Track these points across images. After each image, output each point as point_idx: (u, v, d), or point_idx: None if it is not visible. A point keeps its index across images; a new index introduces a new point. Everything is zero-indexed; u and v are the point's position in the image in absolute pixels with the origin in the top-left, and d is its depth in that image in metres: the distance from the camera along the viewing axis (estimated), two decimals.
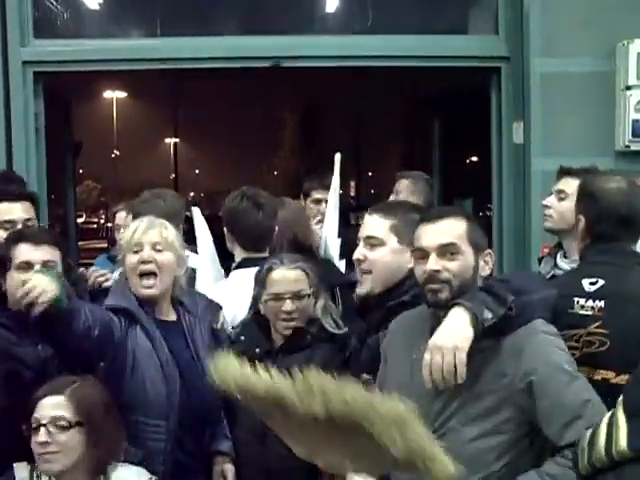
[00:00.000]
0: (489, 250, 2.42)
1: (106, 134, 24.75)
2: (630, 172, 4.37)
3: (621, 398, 1.72)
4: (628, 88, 4.41)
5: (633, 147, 4.44)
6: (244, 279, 3.37)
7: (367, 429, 1.72)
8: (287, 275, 2.95)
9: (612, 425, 1.35)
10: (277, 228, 3.66)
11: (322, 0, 5.33)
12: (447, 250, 2.31)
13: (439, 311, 2.32)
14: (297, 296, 2.93)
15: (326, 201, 4.35)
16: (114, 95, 25.52)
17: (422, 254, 2.34)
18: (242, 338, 3.02)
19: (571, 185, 3.25)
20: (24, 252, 2.87)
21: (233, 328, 3.14)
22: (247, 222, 3.54)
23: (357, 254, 2.73)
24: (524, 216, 4.61)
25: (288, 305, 2.91)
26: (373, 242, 2.72)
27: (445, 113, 7.24)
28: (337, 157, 4.13)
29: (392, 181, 4.69)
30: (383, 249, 2.71)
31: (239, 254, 3.57)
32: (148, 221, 3.00)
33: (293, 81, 6.43)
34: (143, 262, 2.89)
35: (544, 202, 3.46)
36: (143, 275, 2.90)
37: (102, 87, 23.72)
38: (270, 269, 2.98)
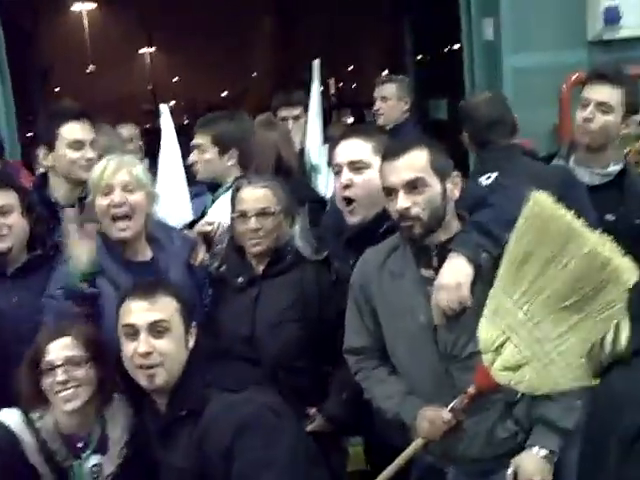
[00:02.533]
0: (456, 172, 2.40)
1: (79, 49, 24.24)
2: (604, 62, 4.31)
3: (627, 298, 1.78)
4: None
5: (606, 36, 4.35)
6: None
7: None
8: (253, 193, 2.91)
9: (618, 324, 1.40)
10: (261, 149, 3.61)
11: None
12: (413, 185, 2.31)
13: (418, 242, 2.36)
14: (262, 213, 2.87)
15: (293, 118, 4.35)
16: (83, 7, 24.87)
17: (390, 192, 2.35)
18: (223, 267, 2.99)
19: (615, 96, 3.12)
20: None
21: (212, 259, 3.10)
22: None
23: (344, 179, 2.66)
24: None
25: (253, 222, 2.87)
26: (359, 165, 2.67)
27: (415, 13, 7.09)
28: (315, 63, 4.06)
29: (370, 77, 4.67)
30: (370, 172, 2.64)
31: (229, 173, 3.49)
32: (116, 160, 2.92)
33: None
34: (115, 206, 2.83)
35: (585, 115, 3.16)
36: (116, 218, 2.84)
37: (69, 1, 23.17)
38: (238, 188, 2.95)
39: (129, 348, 2.38)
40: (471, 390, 2.32)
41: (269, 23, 22.13)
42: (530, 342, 2.10)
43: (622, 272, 1.92)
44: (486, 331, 2.21)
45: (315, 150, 4.00)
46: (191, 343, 2.45)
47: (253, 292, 2.90)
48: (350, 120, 11.50)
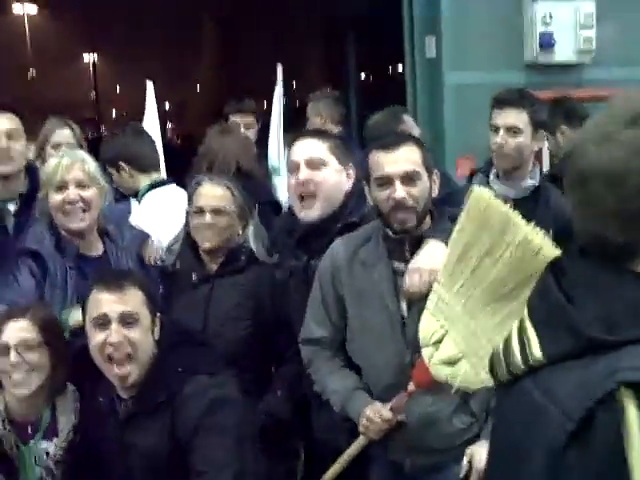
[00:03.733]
0: (435, 170, 2.54)
1: (20, 53, 23.91)
2: (539, 83, 4.52)
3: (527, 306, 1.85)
4: (535, 1, 4.50)
5: (541, 59, 4.56)
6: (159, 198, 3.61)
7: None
8: (212, 190, 3.02)
9: (522, 332, 1.42)
10: (221, 155, 3.73)
11: None
12: (410, 177, 2.42)
13: (403, 236, 2.45)
14: (218, 211, 2.97)
15: (245, 125, 4.51)
16: (24, 11, 24.54)
17: (385, 181, 2.43)
18: (177, 265, 3.08)
19: (522, 119, 3.28)
20: None
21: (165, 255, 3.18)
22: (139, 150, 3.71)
23: (302, 176, 2.76)
24: (438, 127, 4.71)
25: (208, 218, 2.96)
26: (316, 163, 2.77)
27: (359, 27, 7.25)
28: (279, 68, 4.19)
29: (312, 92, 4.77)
30: (327, 169, 2.78)
31: (141, 181, 3.67)
32: (70, 157, 3.00)
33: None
34: (70, 202, 2.90)
35: (497, 140, 3.32)
36: (69, 213, 2.92)
37: (9, 2, 22.84)
38: (198, 184, 3.05)
39: (99, 338, 2.40)
40: (410, 387, 2.39)
41: (214, 36, 22.16)
42: (466, 335, 2.14)
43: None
44: (426, 325, 2.26)
45: (275, 152, 4.12)
46: (157, 333, 2.50)
47: (206, 289, 2.99)
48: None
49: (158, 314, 2.54)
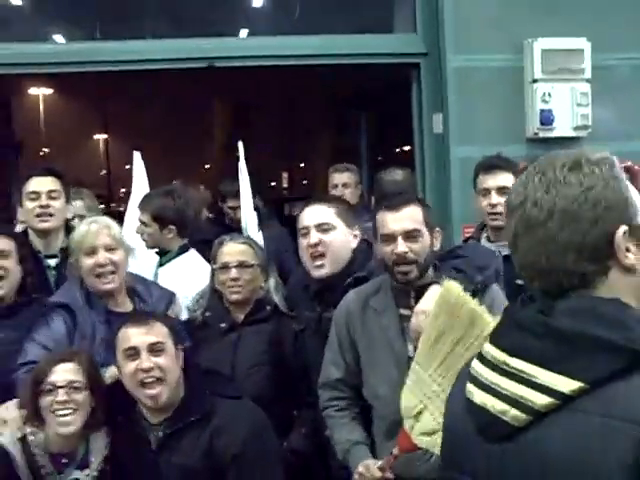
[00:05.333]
0: (437, 228, 2.82)
1: (33, 132, 24.44)
2: (539, 156, 4.81)
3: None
4: (534, 81, 4.75)
5: (541, 134, 4.79)
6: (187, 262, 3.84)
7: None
8: (234, 247, 3.31)
9: (523, 379, 1.50)
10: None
11: (249, 2, 5.61)
12: (411, 234, 2.69)
13: (407, 287, 2.70)
14: (242, 265, 3.25)
15: (238, 207, 4.72)
16: (40, 92, 25.11)
17: (389, 238, 2.70)
18: (207, 314, 3.33)
19: (511, 180, 3.51)
20: None
21: (193, 306, 3.43)
22: (188, 216, 3.98)
23: (313, 239, 3.02)
24: (446, 200, 4.89)
25: (233, 272, 3.23)
26: (325, 227, 3.05)
27: (370, 107, 7.57)
28: (240, 145, 4.49)
29: (322, 172, 5.04)
30: (335, 232, 3.05)
31: (172, 243, 3.93)
32: (97, 223, 3.25)
33: (223, 79, 6.64)
34: (100, 265, 3.15)
35: (491, 202, 3.59)
36: (101, 275, 3.15)
37: (27, 84, 23.41)
38: (221, 243, 3.33)
39: (130, 367, 2.68)
40: (395, 451, 2.58)
41: (225, 119, 22.64)
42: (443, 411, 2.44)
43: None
44: (407, 399, 2.50)
45: (244, 220, 4.36)
46: (181, 362, 2.77)
47: (234, 336, 3.25)
48: None
49: (180, 346, 2.81)
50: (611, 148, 4.69)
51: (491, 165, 3.66)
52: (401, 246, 2.68)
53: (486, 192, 3.62)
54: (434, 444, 2.40)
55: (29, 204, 3.61)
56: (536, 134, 4.82)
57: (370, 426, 2.88)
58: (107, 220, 3.33)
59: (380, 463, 2.66)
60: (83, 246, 3.18)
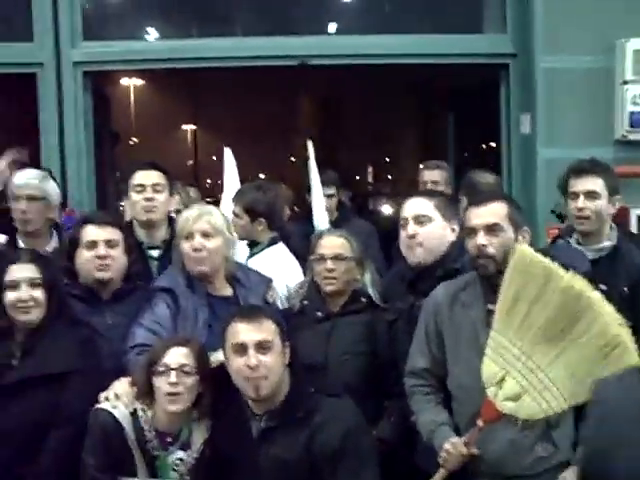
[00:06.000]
0: (526, 227, 2.91)
1: (124, 122, 24.98)
2: (628, 159, 4.80)
3: None
4: (625, 83, 4.76)
5: (630, 137, 4.79)
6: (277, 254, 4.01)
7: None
8: (331, 240, 3.47)
9: None
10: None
11: (340, 3, 5.73)
12: (492, 228, 2.80)
13: (495, 281, 2.76)
14: (337, 257, 3.39)
15: (328, 196, 4.94)
16: (131, 82, 25.64)
17: (472, 232, 2.83)
18: (305, 302, 3.49)
19: (599, 184, 3.60)
20: (90, 232, 3.32)
21: (293, 295, 3.62)
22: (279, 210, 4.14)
23: (410, 231, 3.14)
24: (531, 200, 4.92)
25: (329, 264, 3.38)
26: (422, 219, 3.16)
27: (458, 106, 7.60)
28: (309, 144, 4.62)
29: (408, 168, 5.13)
30: (431, 225, 3.16)
31: (262, 235, 4.11)
32: (198, 210, 3.41)
33: (311, 75, 6.78)
34: (195, 249, 3.31)
35: (578, 205, 3.59)
36: (196, 260, 3.31)
37: (119, 75, 23.96)
38: (320, 236, 3.51)
39: (238, 362, 2.78)
40: (479, 423, 2.67)
41: (313, 115, 22.81)
42: (526, 373, 2.51)
43: (593, 302, 2.40)
44: (487, 368, 2.61)
45: (317, 216, 4.53)
46: (287, 359, 2.88)
47: (328, 326, 3.39)
48: (389, 210, 12.04)
49: (287, 343, 2.90)
50: None
51: (580, 169, 3.67)
52: (481, 239, 2.79)
53: (575, 196, 3.63)
54: (519, 408, 2.52)
55: (135, 196, 3.79)
56: (625, 136, 4.82)
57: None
58: (210, 208, 3.47)
59: (465, 438, 2.76)
60: (183, 231, 3.34)
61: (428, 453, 2.99)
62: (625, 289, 3.40)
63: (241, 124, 23.26)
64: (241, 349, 2.79)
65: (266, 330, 2.82)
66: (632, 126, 4.78)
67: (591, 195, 3.59)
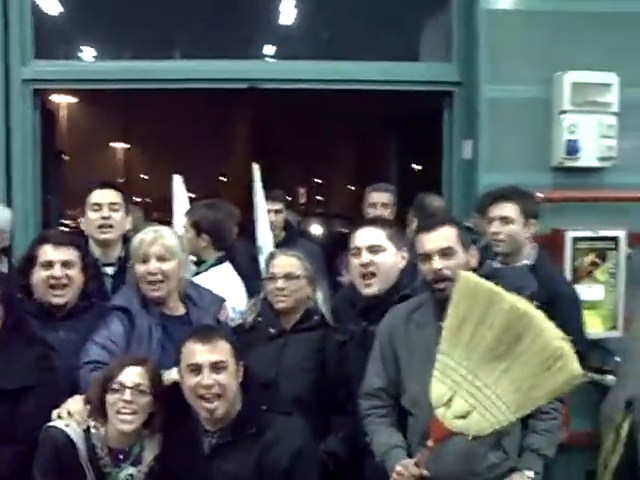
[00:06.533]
0: (473, 246, 3.05)
1: (58, 139, 24.53)
2: (564, 184, 5.00)
3: None
4: (563, 112, 4.92)
5: (567, 163, 4.96)
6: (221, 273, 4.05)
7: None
8: (283, 259, 3.55)
9: None
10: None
11: (283, 30, 5.81)
12: (446, 252, 2.93)
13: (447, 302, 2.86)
14: (289, 276, 3.47)
15: (275, 211, 5.03)
16: (60, 99, 25.30)
17: (426, 257, 2.94)
18: (259, 319, 3.55)
19: (512, 210, 3.88)
20: (47, 252, 3.34)
21: (247, 311, 3.68)
22: (226, 229, 4.18)
23: (364, 259, 3.26)
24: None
25: (280, 283, 3.46)
26: (376, 249, 3.28)
27: (401, 131, 7.76)
28: (255, 168, 4.69)
29: (339, 190, 5.21)
30: (385, 254, 3.28)
31: (209, 254, 4.18)
32: (153, 233, 3.43)
33: (247, 98, 6.83)
34: (150, 273, 3.34)
35: (492, 230, 3.92)
36: (151, 283, 3.35)
37: (49, 92, 23.66)
38: (272, 256, 3.61)
39: (192, 381, 2.84)
40: (429, 443, 2.77)
41: (244, 132, 22.85)
42: (473, 391, 2.62)
43: (536, 319, 2.54)
44: (436, 389, 2.72)
45: (261, 236, 4.59)
46: (240, 377, 2.93)
47: (280, 342, 3.46)
48: (318, 229, 12.13)
49: (241, 362, 2.96)
50: (633, 179, 4.95)
51: (497, 196, 3.97)
52: (436, 263, 2.91)
53: (490, 220, 3.92)
54: (469, 425, 2.62)
55: (91, 215, 3.83)
56: (561, 163, 4.98)
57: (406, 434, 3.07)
58: (164, 230, 3.50)
59: (415, 459, 2.85)
60: (138, 253, 3.38)
61: (376, 467, 3.09)
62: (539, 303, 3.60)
63: (172, 144, 23.18)
64: (196, 369, 2.85)
65: (220, 351, 2.88)
66: (568, 153, 4.95)
67: (504, 220, 3.88)
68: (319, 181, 23.76)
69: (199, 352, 2.86)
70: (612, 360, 4.38)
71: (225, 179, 25.31)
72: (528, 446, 2.93)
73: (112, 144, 28.17)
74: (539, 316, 2.55)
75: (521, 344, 2.54)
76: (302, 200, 21.03)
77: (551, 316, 2.73)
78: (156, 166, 27.40)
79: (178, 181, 4.55)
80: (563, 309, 3.44)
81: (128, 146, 27.45)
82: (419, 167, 7.91)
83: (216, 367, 2.85)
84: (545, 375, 2.52)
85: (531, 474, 2.90)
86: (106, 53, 5.43)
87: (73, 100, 24.86)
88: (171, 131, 22.82)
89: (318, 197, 23.64)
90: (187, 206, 4.51)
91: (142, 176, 28.89)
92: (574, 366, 2.50)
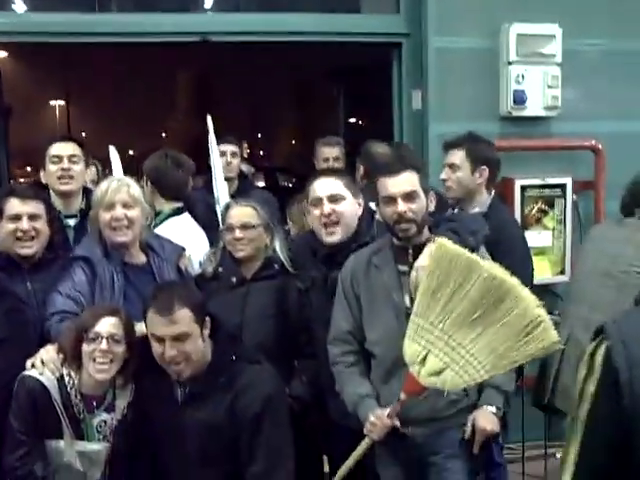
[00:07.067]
0: (432, 191, 3.15)
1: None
2: (513, 133, 5.14)
3: None
4: (510, 63, 5.06)
5: (514, 113, 5.11)
6: (179, 224, 4.08)
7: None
8: (239, 210, 3.61)
9: None
10: None
11: None
12: (409, 195, 3.01)
13: (406, 243, 3.02)
14: (245, 226, 3.54)
15: (231, 153, 5.10)
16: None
17: (390, 200, 3.02)
18: (220, 269, 3.61)
19: (459, 156, 3.95)
20: (14, 206, 3.37)
21: (207, 261, 3.73)
22: (172, 178, 4.20)
23: (326, 209, 3.33)
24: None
25: (237, 233, 3.53)
26: (337, 198, 3.37)
27: (349, 83, 7.80)
28: (209, 118, 4.72)
29: (283, 144, 5.25)
30: (345, 203, 3.37)
31: (163, 205, 4.20)
32: (117, 182, 3.50)
33: (187, 51, 6.73)
34: (116, 219, 3.40)
35: (442, 177, 4.01)
36: (116, 229, 3.41)
37: None
38: (228, 207, 3.66)
39: (157, 350, 2.90)
40: (402, 396, 2.92)
41: (186, 87, 22.60)
42: (447, 351, 2.73)
43: (513, 287, 2.65)
44: (410, 348, 2.81)
45: (216, 188, 4.59)
46: (206, 333, 2.98)
47: (243, 290, 3.54)
48: (261, 184, 12.14)
49: (207, 318, 3.01)
50: (578, 128, 5.11)
51: (447, 144, 4.08)
52: (401, 206, 3.00)
53: (443, 167, 4.05)
54: (443, 382, 2.74)
55: (51, 167, 3.87)
56: (509, 113, 5.13)
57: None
58: (128, 180, 3.56)
59: (388, 410, 2.98)
60: (103, 201, 3.43)
61: (341, 411, 3.24)
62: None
63: (113, 100, 22.86)
64: (159, 340, 2.91)
65: (181, 321, 2.88)
66: (515, 103, 5.09)
67: (452, 167, 3.97)
68: (261, 136, 23.68)
69: (160, 325, 2.89)
70: (560, 304, 4.55)
71: (165, 134, 25.07)
72: (488, 383, 3.02)
73: (52, 102, 27.68)
74: (516, 284, 2.66)
75: (498, 310, 2.65)
76: (245, 154, 20.96)
77: (500, 259, 2.88)
78: (94, 122, 27.04)
79: (113, 151, 4.54)
80: (512, 252, 3.56)
81: (65, 103, 26.94)
82: (365, 120, 7.96)
83: (178, 339, 2.88)
84: (523, 340, 2.64)
85: (493, 409, 3.03)
86: (52, 4, 5.28)
87: (4, 54, 24.36)
88: (110, 87, 22.46)
89: (261, 152, 23.60)
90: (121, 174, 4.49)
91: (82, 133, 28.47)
92: (552, 333, 2.62)
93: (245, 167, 5.86)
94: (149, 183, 4.20)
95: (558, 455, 4.69)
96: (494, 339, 2.68)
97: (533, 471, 4.71)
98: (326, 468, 3.81)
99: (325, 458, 3.83)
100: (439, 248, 2.76)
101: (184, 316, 2.89)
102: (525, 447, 4.68)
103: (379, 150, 4.67)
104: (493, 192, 4.05)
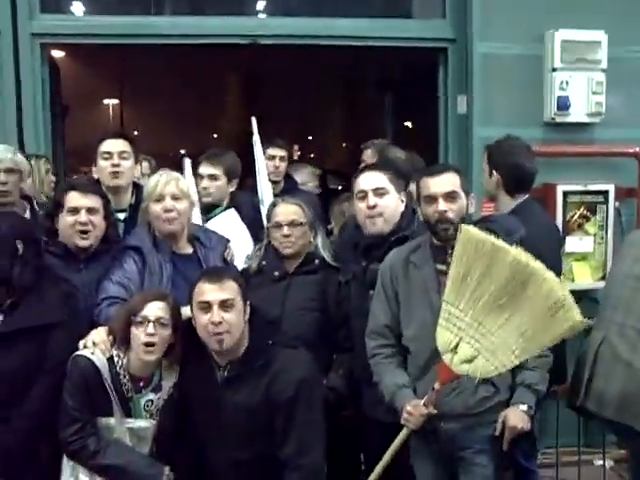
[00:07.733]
0: (472, 194, 3.26)
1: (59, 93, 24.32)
2: (555, 139, 5.19)
3: None
4: (554, 70, 5.12)
5: (557, 119, 5.17)
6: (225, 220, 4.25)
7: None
8: (286, 208, 3.75)
9: None
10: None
11: None
12: (450, 196, 3.12)
13: (445, 243, 3.10)
14: (292, 223, 3.68)
15: (280, 157, 5.21)
16: (56, 54, 25.12)
17: (432, 199, 3.13)
18: (264, 263, 3.75)
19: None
20: (73, 199, 3.55)
21: (252, 256, 3.88)
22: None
23: (371, 202, 3.44)
24: (467, 176, 5.17)
25: (285, 230, 3.67)
26: (381, 192, 3.47)
27: (397, 88, 7.87)
28: (253, 120, 4.86)
29: (332, 146, 5.33)
30: (389, 196, 3.48)
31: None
32: (167, 176, 3.67)
33: (238, 54, 6.83)
34: (166, 210, 3.57)
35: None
36: (166, 220, 3.58)
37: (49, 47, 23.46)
38: (274, 205, 3.79)
39: (204, 319, 3.04)
40: (436, 386, 3.02)
41: (237, 90, 22.76)
42: (478, 337, 2.83)
43: (538, 270, 2.73)
44: (441, 337, 2.92)
45: (261, 190, 4.73)
46: (247, 315, 3.13)
47: (284, 284, 3.68)
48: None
49: (248, 302, 3.17)
50: (621, 134, 5.14)
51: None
52: (442, 205, 3.11)
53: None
54: (475, 369, 2.85)
55: (102, 163, 4.03)
56: (553, 119, 5.18)
57: None
58: (177, 174, 3.74)
59: (424, 399, 3.08)
60: (153, 194, 3.60)
61: (373, 403, 3.37)
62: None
63: (166, 101, 23.09)
64: (206, 307, 3.05)
65: (228, 290, 3.06)
66: (559, 109, 5.14)
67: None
68: (312, 138, 23.77)
69: (209, 291, 3.05)
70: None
71: (216, 135, 25.24)
72: (521, 382, 3.10)
73: (105, 101, 28.04)
74: (540, 267, 2.75)
75: (524, 294, 2.75)
76: (295, 157, 21.10)
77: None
78: (147, 121, 27.31)
79: (187, 164, 4.67)
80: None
81: (119, 102, 27.30)
82: (412, 124, 8.03)
83: (224, 305, 3.03)
84: (550, 321, 2.73)
85: (524, 407, 3.08)
86: (110, 7, 5.46)
87: (63, 54, 24.81)
88: (164, 88, 22.65)
89: (311, 155, 23.68)
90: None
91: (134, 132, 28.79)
92: (576, 312, 2.72)
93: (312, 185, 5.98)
94: (227, 176, 4.39)
95: (596, 462, 4.75)
96: (522, 323, 2.77)
97: (567, 477, 4.73)
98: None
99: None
100: (464, 234, 2.86)
101: (232, 286, 3.07)
102: (559, 452, 4.71)
103: (397, 155, 4.76)
104: (524, 198, 3.94)
